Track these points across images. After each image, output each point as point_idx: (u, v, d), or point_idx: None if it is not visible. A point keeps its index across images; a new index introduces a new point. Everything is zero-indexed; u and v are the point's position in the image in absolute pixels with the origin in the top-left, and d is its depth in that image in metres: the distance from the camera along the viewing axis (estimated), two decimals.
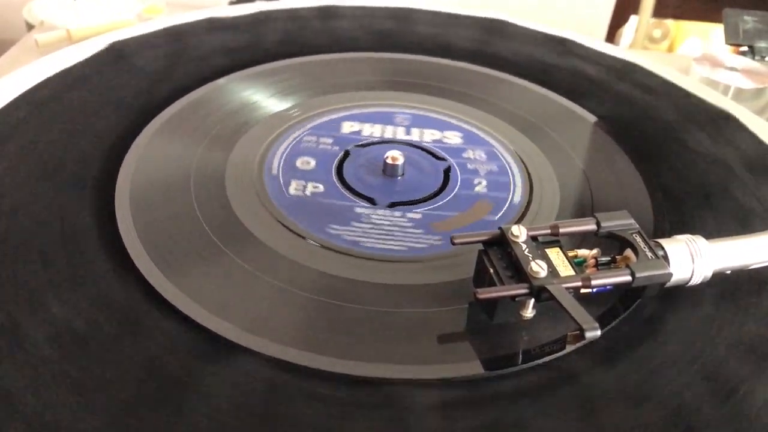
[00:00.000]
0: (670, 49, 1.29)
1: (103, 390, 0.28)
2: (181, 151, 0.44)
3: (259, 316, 0.33)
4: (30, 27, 0.74)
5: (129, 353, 0.30)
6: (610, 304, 0.34)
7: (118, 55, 0.54)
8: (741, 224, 0.41)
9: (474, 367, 0.31)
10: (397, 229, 0.39)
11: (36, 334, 0.30)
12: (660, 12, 1.16)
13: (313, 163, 0.44)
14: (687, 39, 1.32)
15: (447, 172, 0.44)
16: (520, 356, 0.32)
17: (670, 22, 1.26)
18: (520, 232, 0.32)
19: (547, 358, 0.31)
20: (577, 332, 0.32)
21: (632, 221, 0.34)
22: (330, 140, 0.46)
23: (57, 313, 0.31)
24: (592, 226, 0.34)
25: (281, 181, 0.42)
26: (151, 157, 0.43)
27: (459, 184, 0.43)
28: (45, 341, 0.30)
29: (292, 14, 0.64)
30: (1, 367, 0.28)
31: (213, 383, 0.29)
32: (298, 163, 0.44)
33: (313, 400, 0.29)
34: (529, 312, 0.32)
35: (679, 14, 1.21)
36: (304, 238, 0.38)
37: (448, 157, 0.46)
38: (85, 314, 0.32)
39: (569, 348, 0.32)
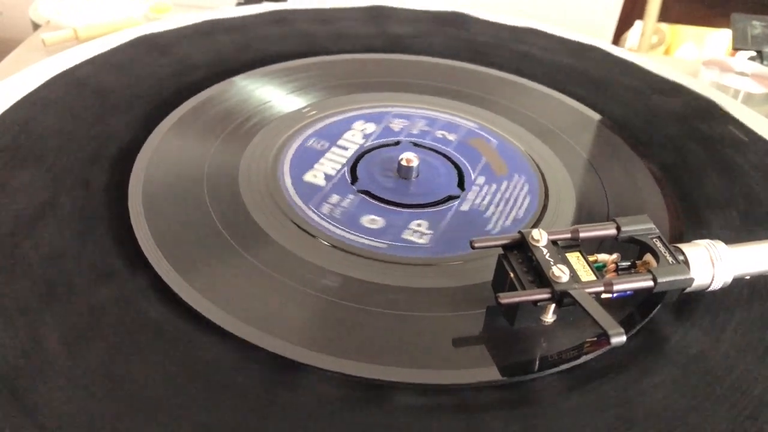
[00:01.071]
0: (666, 54, 1.29)
1: (115, 390, 0.28)
2: (195, 149, 0.43)
3: (273, 315, 0.32)
4: (36, 26, 0.73)
5: (143, 351, 0.30)
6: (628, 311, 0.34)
7: (130, 52, 0.54)
8: (759, 229, 0.41)
9: (493, 373, 0.31)
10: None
11: (48, 333, 0.30)
12: (664, 17, 1.16)
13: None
14: (683, 44, 1.32)
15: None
16: (538, 362, 0.31)
17: (665, 27, 1.26)
18: (540, 236, 0.32)
19: (570, 364, 0.31)
20: (598, 338, 0.32)
21: (652, 225, 0.34)
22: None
23: (69, 311, 0.31)
24: (613, 231, 0.34)
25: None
26: (164, 154, 0.42)
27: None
28: (56, 339, 0.29)
29: (302, 15, 0.64)
30: (12, 364, 0.28)
31: (226, 382, 0.29)
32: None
33: (324, 401, 0.29)
34: (549, 317, 0.32)
35: (683, 19, 1.21)
36: (317, 237, 0.37)
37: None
38: (98, 313, 0.31)
39: (592, 354, 0.31)
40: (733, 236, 0.39)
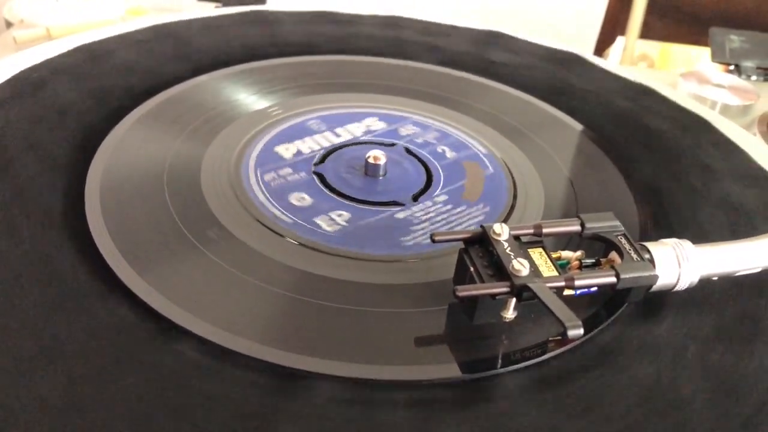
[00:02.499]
0: None
1: (70, 388, 0.27)
2: (157, 145, 0.43)
3: (233, 313, 0.31)
4: (9, 25, 0.72)
5: (98, 351, 0.28)
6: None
7: (101, 49, 0.53)
8: (726, 231, 0.40)
9: (451, 370, 0.30)
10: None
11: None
12: (647, 34, 1.16)
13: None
14: (672, 70, 1.32)
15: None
16: (500, 360, 0.30)
17: (654, 54, 1.27)
18: (502, 231, 0.31)
19: (529, 362, 0.30)
20: (561, 336, 0.31)
21: (617, 223, 0.33)
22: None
23: (16, 308, 0.30)
24: (577, 227, 0.33)
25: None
26: (125, 149, 0.42)
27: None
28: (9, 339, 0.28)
29: (271, 17, 0.63)
30: None
31: (185, 381, 0.28)
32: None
33: (285, 398, 0.28)
34: (510, 313, 0.31)
35: (666, 37, 1.21)
36: (282, 236, 0.36)
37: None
38: (52, 312, 0.30)
39: (552, 352, 0.30)
40: (701, 238, 0.38)
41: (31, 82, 0.47)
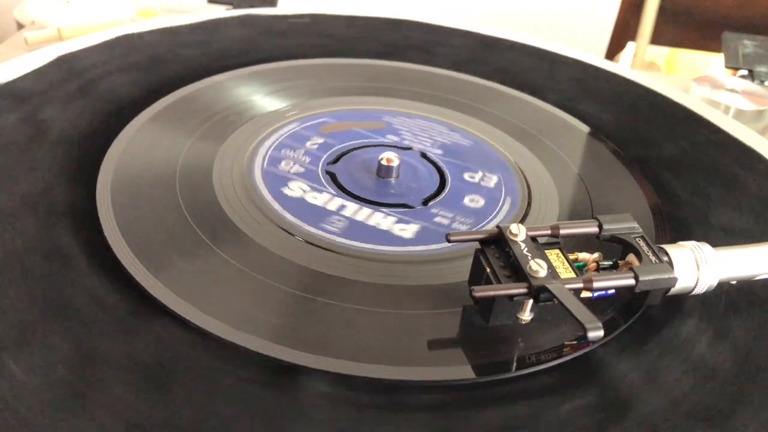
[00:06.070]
0: None
1: (86, 388, 0.26)
2: (169, 144, 0.42)
3: (244, 311, 0.31)
4: (20, 27, 0.72)
5: (112, 349, 0.28)
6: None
7: (112, 49, 0.53)
8: (745, 235, 0.40)
9: (465, 372, 0.29)
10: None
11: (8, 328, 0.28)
12: (657, 40, 1.16)
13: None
14: None
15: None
16: (515, 362, 0.30)
17: (660, 62, 1.26)
18: (519, 231, 0.31)
19: (546, 365, 0.29)
20: (578, 340, 0.31)
21: (635, 225, 0.33)
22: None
23: (35, 309, 0.30)
24: (594, 229, 0.33)
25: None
26: (137, 147, 0.41)
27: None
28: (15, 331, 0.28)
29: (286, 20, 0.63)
30: None
31: (197, 378, 0.27)
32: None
33: (296, 396, 0.27)
34: (526, 315, 0.31)
35: (676, 43, 1.21)
36: (292, 234, 0.36)
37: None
38: (66, 310, 0.30)
39: (570, 355, 0.30)
40: (720, 241, 0.38)
41: (41, 81, 0.47)
